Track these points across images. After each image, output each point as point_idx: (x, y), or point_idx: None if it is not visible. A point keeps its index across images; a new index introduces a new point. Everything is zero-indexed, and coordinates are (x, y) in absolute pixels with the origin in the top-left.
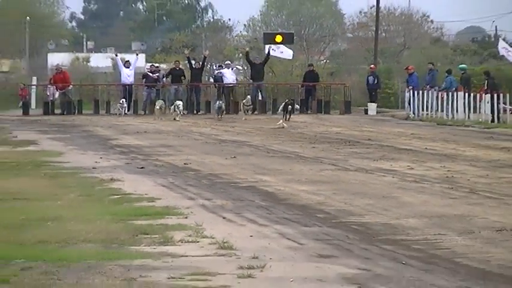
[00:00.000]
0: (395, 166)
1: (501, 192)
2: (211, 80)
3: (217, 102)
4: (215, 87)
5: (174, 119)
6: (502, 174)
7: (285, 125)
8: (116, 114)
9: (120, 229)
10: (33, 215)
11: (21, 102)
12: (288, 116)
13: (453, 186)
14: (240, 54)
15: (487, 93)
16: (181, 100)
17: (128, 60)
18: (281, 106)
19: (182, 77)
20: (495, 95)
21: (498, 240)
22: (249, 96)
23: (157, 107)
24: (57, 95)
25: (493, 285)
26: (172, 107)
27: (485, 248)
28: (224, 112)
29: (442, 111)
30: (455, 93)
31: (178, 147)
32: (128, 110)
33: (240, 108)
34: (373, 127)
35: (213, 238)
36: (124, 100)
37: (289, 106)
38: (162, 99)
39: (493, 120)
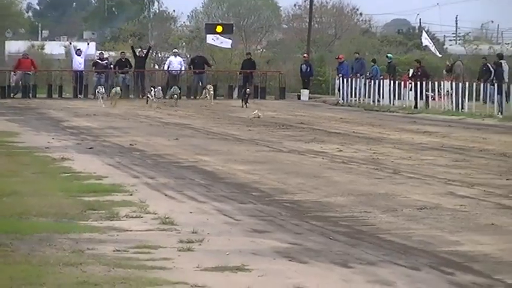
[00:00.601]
0: (325, 148)
1: (422, 173)
2: (156, 66)
3: (172, 89)
4: (166, 74)
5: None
6: (424, 156)
7: (260, 114)
8: (98, 101)
9: (70, 204)
10: None
11: None
12: (245, 103)
13: (378, 167)
14: (184, 43)
15: (418, 80)
16: (124, 86)
17: (80, 49)
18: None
19: (128, 66)
20: (419, 83)
21: (419, 218)
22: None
23: (114, 92)
24: (18, 76)
25: (414, 258)
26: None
27: (407, 225)
28: (177, 98)
29: (369, 97)
30: (381, 81)
31: (125, 129)
32: (81, 94)
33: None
34: (305, 112)
35: (156, 214)
36: (101, 87)
37: (247, 94)
38: (118, 87)
39: (416, 106)
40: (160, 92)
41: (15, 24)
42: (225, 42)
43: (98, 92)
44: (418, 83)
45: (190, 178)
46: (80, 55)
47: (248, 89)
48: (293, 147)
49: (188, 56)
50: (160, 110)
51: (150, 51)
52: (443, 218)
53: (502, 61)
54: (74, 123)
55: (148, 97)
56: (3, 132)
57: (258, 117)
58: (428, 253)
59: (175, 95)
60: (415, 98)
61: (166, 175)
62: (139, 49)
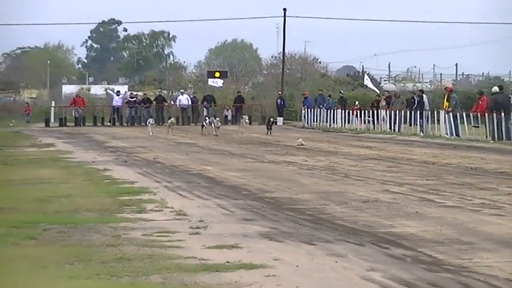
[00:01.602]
0: (295, 159)
1: (365, 176)
2: (172, 102)
3: (170, 120)
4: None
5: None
6: (366, 164)
7: (303, 143)
8: (147, 129)
9: (110, 202)
10: (52, 193)
11: (27, 117)
12: (270, 131)
13: (334, 173)
14: (192, 85)
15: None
16: (152, 117)
17: (119, 90)
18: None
19: (150, 103)
20: (363, 111)
21: (363, 208)
22: (172, 119)
23: (170, 122)
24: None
25: (360, 237)
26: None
27: (354, 213)
28: (175, 125)
29: (327, 122)
30: (335, 110)
31: (150, 147)
32: (119, 123)
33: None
34: (280, 133)
35: (172, 208)
36: (152, 119)
37: (271, 123)
38: (173, 118)
39: (360, 128)
40: (174, 121)
41: (69, 73)
42: (219, 82)
43: (148, 122)
44: (362, 111)
45: (197, 182)
46: (119, 95)
47: (272, 118)
48: (272, 159)
49: (194, 94)
50: (175, 134)
51: (163, 93)
52: (381, 208)
53: (423, 95)
54: (113, 144)
55: (148, 126)
56: (61, 151)
57: (302, 145)
58: (370, 234)
59: (173, 123)
60: (361, 122)
61: (180, 180)
62: (159, 90)
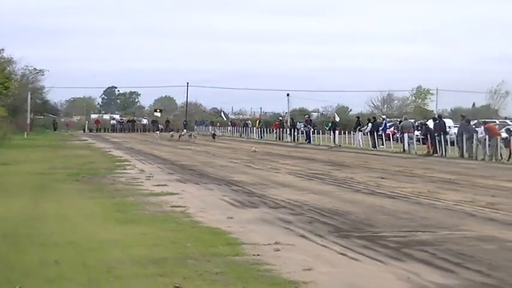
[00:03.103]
0: (192, 148)
1: (222, 156)
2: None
3: (171, 132)
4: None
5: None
6: (223, 151)
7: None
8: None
9: (111, 165)
10: (86, 161)
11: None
12: (214, 139)
13: (208, 154)
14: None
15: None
16: (159, 129)
17: (114, 117)
18: None
19: (131, 123)
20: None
21: (221, 169)
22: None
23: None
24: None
25: (219, 181)
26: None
27: (217, 171)
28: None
29: (205, 131)
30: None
31: (130, 142)
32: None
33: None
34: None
35: (138, 168)
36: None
37: (214, 134)
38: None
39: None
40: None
41: (94, 109)
42: (158, 114)
43: (155, 131)
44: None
45: (149, 157)
46: (114, 119)
47: (214, 132)
48: (183, 147)
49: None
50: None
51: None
52: (225, 168)
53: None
54: (113, 140)
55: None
56: (89, 142)
57: (255, 151)
58: (224, 180)
59: (172, 136)
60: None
61: (141, 156)
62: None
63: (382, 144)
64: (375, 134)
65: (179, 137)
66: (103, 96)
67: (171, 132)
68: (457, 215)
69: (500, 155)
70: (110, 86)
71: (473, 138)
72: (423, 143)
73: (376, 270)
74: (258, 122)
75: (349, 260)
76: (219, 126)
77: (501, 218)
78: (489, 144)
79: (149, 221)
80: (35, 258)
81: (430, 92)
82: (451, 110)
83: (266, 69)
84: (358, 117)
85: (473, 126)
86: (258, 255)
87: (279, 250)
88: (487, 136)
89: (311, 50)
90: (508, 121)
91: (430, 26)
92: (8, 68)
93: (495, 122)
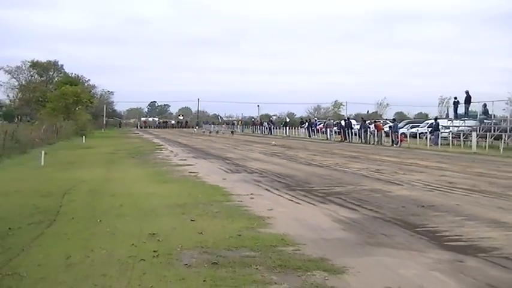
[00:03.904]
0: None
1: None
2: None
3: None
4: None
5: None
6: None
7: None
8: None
9: (153, 148)
10: (135, 146)
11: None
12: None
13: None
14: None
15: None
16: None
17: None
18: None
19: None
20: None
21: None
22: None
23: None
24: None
25: (213, 156)
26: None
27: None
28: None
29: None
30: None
31: (172, 134)
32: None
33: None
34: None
35: (169, 150)
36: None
37: (233, 131)
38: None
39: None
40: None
41: (142, 115)
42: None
43: (205, 129)
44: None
45: (176, 144)
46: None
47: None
48: (199, 138)
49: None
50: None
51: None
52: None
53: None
54: (155, 133)
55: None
56: (140, 135)
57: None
58: (220, 157)
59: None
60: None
61: (171, 143)
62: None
63: (315, 135)
64: (310, 129)
65: (209, 132)
66: (148, 107)
67: (195, 129)
68: (358, 177)
69: (383, 141)
70: (152, 100)
71: (368, 131)
72: (338, 134)
73: (310, 210)
74: (240, 122)
75: (295, 203)
76: (218, 124)
77: (384, 178)
78: (377, 135)
79: (175, 181)
80: (108, 203)
81: (342, 104)
82: (354, 114)
83: (245, 90)
84: (301, 119)
85: (368, 124)
86: (241, 201)
87: (253, 198)
88: (375, 130)
89: (273, 79)
90: (388, 121)
91: (344, 64)
92: (92, 90)
93: (380, 121)
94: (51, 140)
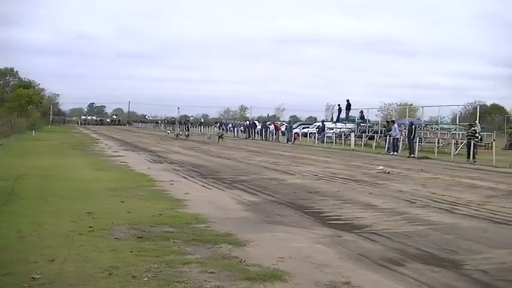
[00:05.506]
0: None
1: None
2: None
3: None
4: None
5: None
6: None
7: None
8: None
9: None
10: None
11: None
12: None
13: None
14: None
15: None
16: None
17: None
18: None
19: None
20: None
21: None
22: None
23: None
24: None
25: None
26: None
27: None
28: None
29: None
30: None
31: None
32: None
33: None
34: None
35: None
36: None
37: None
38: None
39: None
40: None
41: (83, 113)
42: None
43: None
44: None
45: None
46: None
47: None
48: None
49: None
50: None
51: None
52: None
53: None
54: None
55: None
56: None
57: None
58: (146, 149)
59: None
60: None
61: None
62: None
63: (227, 132)
64: (221, 127)
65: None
66: (87, 107)
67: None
68: (259, 168)
69: (280, 139)
70: (91, 102)
71: (268, 130)
72: (244, 132)
73: (220, 194)
74: (163, 121)
75: (207, 189)
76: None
77: (280, 169)
78: (275, 134)
79: (109, 169)
80: (56, 186)
81: (247, 108)
82: (257, 116)
83: (169, 94)
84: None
85: (268, 125)
86: (162, 186)
87: (172, 184)
88: (274, 130)
89: (191, 86)
90: (284, 123)
91: (250, 76)
92: (41, 93)
93: (278, 123)
94: (6, 134)
